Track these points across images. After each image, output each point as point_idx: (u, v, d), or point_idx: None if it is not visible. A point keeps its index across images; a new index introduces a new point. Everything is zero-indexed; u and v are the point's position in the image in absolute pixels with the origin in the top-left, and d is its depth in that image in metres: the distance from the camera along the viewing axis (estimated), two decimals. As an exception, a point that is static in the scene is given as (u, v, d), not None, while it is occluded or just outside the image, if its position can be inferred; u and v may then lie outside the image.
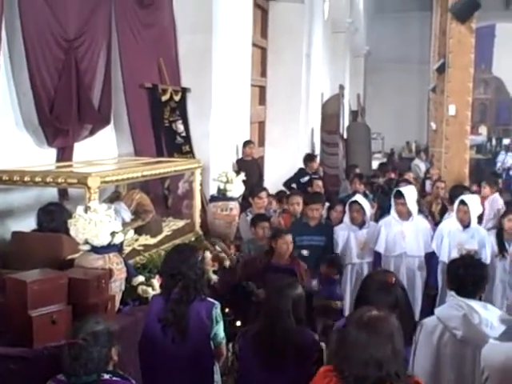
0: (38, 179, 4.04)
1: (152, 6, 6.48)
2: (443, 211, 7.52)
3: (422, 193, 8.79)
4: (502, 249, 5.77)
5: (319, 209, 6.07)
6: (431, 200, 8.01)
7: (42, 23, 4.62)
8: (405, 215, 5.91)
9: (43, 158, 4.85)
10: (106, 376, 2.64)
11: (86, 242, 3.66)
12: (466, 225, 5.81)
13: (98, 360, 2.61)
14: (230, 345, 4.18)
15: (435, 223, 6.61)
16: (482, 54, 22.04)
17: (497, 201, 7.68)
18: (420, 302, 5.79)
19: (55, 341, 3.07)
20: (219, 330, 3.61)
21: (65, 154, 5.04)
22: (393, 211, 5.98)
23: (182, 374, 3.50)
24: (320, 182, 8.20)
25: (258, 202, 6.38)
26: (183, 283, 3.48)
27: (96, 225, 3.61)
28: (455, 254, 5.07)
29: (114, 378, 2.66)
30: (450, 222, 6.02)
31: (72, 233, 3.69)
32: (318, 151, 12.59)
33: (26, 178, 4.04)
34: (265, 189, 6.74)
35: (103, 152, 5.72)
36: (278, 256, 5.00)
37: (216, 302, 3.60)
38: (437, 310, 3.25)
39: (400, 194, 5.91)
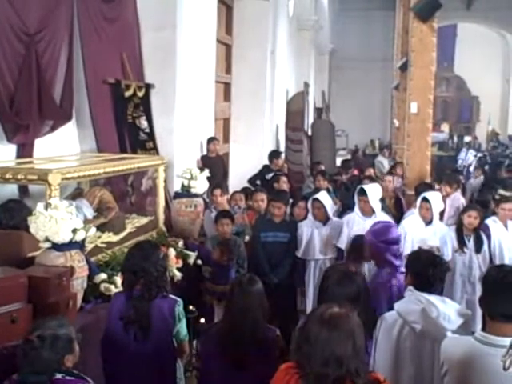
0: (-4, 175, 3.98)
1: (115, 0, 6.41)
2: (397, 205, 7.59)
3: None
4: (461, 244, 5.89)
5: (281, 207, 6.08)
6: (384, 195, 7.93)
7: (0, 17, 4.53)
8: (368, 212, 5.98)
9: (2, 154, 4.76)
10: (59, 375, 2.58)
11: (47, 240, 3.62)
12: (428, 221, 5.92)
13: (46, 363, 2.54)
14: (194, 342, 4.18)
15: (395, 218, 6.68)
16: (444, 53, 22.42)
17: (458, 199, 7.81)
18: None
19: (15, 340, 3.01)
20: (182, 327, 3.61)
21: (25, 151, 4.95)
22: (356, 208, 6.05)
23: (145, 372, 3.49)
24: (286, 179, 8.23)
25: (212, 199, 6.42)
26: (145, 280, 3.46)
27: (57, 222, 3.57)
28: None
29: (68, 378, 2.60)
30: (413, 218, 6.12)
31: (32, 230, 3.64)
32: (282, 148, 12.64)
33: (-15, 175, 3.98)
34: (220, 186, 6.72)
35: (65, 148, 5.64)
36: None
37: (179, 299, 3.60)
38: (396, 305, 3.30)
39: (363, 192, 5.98)
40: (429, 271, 3.33)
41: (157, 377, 3.52)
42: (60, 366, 2.60)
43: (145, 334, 3.44)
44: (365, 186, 6.15)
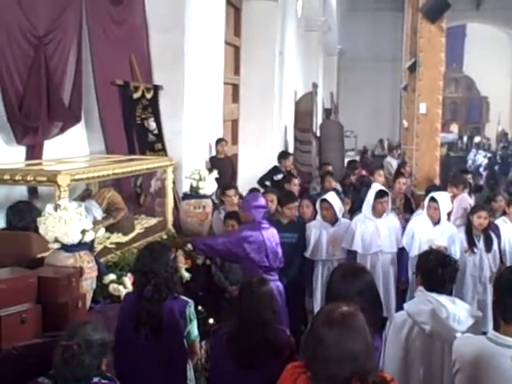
0: (6, 177, 3.99)
1: (123, 3, 6.43)
2: (407, 205, 7.58)
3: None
4: (471, 244, 5.86)
5: (294, 208, 6.11)
6: (394, 196, 7.90)
7: (10, 19, 4.54)
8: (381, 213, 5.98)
9: (12, 156, 4.78)
10: (95, 379, 2.63)
11: (56, 241, 3.62)
12: (436, 221, 5.89)
13: (87, 368, 2.59)
14: (203, 342, 4.18)
15: (405, 219, 6.67)
16: (453, 54, 22.35)
17: (466, 200, 7.76)
18: (394, 296, 5.83)
19: (24, 340, 3.04)
20: (193, 328, 3.61)
21: (34, 152, 4.97)
22: (365, 209, 6.01)
23: (155, 372, 3.49)
24: (297, 180, 8.19)
25: (226, 199, 6.43)
26: (155, 281, 3.46)
27: (66, 223, 3.57)
28: (426, 251, 5.13)
29: (103, 381, 2.66)
30: (421, 218, 6.10)
31: (41, 231, 3.64)
32: (291, 149, 12.63)
33: (-5, 176, 3.99)
34: (234, 186, 6.74)
35: (74, 150, 5.66)
36: None
37: (190, 301, 3.59)
38: (406, 305, 3.29)
39: (385, 194, 5.97)
40: (438, 271, 3.31)
41: (167, 377, 3.51)
42: (99, 370, 2.67)
43: (155, 335, 3.44)
44: (384, 189, 6.16)
